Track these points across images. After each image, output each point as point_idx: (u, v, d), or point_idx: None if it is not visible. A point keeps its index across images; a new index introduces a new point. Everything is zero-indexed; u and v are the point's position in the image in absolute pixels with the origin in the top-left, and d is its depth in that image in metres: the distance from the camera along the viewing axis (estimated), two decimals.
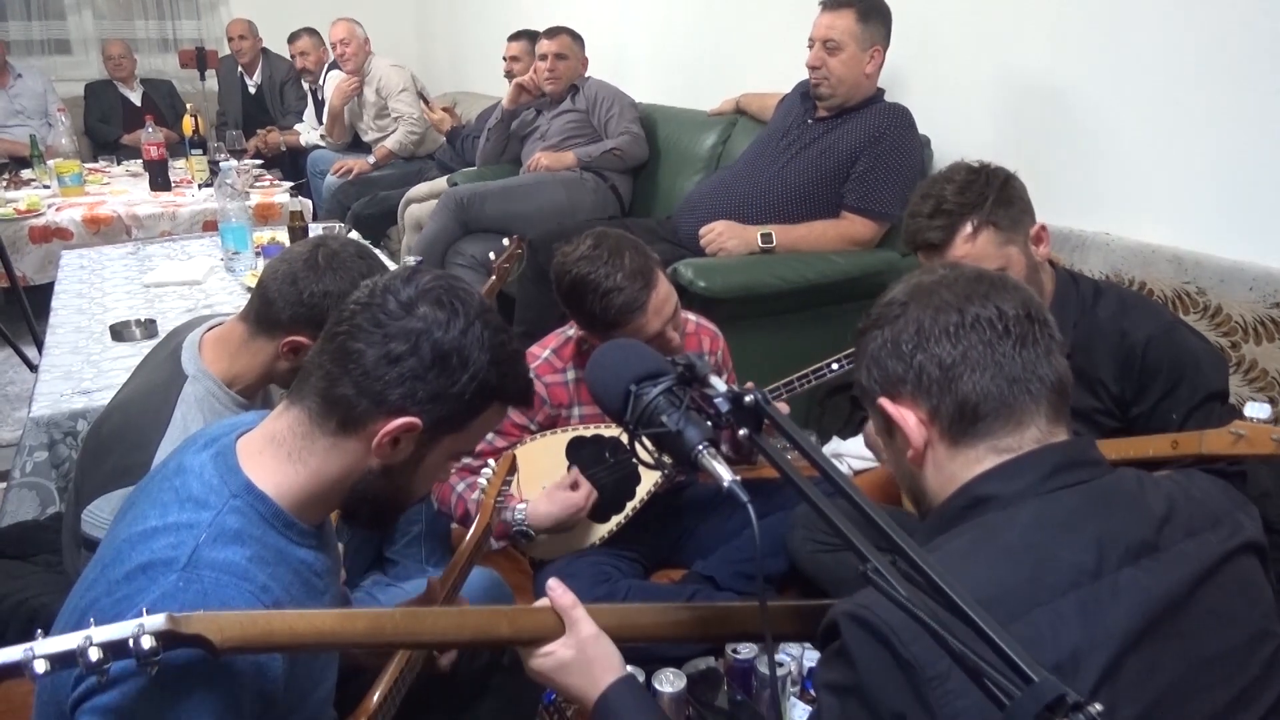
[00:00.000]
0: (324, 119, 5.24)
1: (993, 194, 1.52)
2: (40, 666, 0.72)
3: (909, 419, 0.92)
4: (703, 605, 1.16)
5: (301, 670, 0.97)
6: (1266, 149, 2.05)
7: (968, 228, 1.51)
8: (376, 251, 1.47)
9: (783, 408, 1.85)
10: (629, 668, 1.00)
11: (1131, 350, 1.54)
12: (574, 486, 1.79)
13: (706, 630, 1.10)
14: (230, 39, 5.55)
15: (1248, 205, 2.11)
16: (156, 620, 0.75)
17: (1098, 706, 0.62)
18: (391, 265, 2.25)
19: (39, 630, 0.75)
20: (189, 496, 0.94)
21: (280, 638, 0.85)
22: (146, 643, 0.74)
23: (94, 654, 0.73)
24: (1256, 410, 1.25)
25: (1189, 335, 1.61)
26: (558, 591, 0.99)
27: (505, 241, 2.38)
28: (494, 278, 2.34)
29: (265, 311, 1.41)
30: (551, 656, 0.98)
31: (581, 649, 0.98)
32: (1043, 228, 1.59)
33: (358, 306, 0.98)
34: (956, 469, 0.91)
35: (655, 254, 1.82)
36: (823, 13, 2.71)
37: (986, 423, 0.89)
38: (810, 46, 2.73)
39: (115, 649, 0.74)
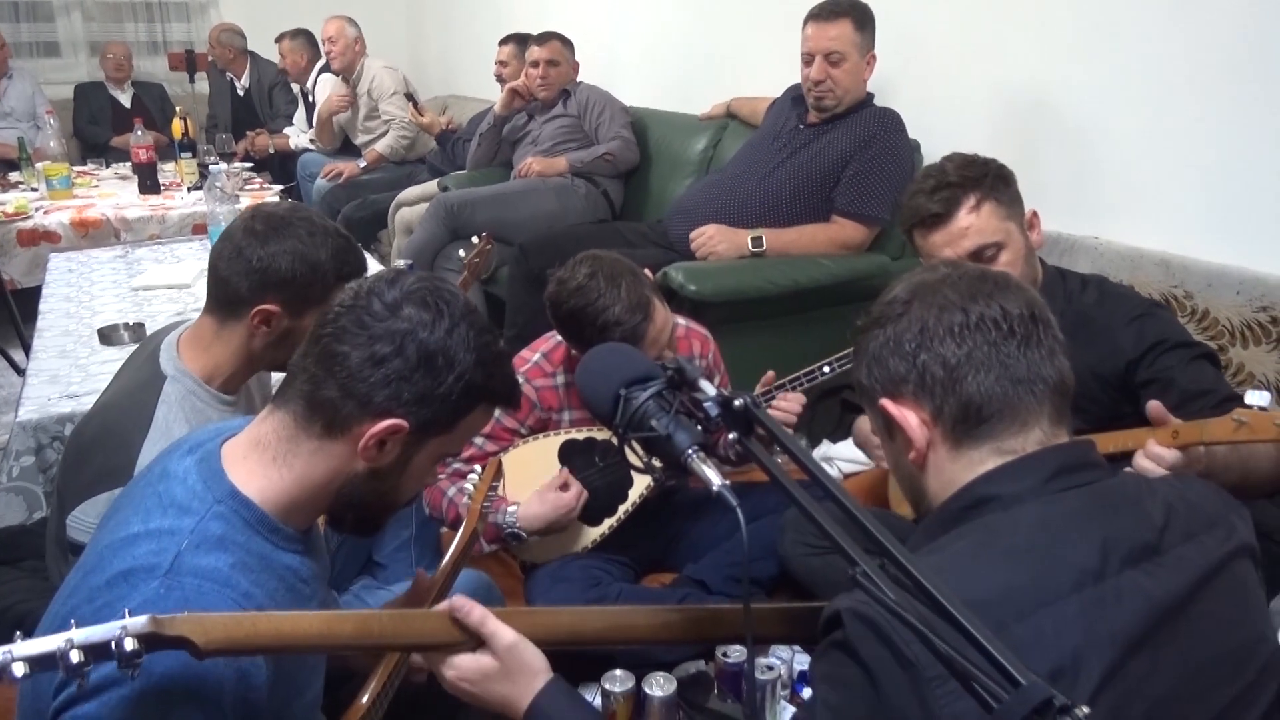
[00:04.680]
0: (313, 122, 5.22)
1: (992, 172, 1.57)
2: (19, 669, 0.71)
3: (911, 419, 0.91)
4: (694, 607, 1.16)
5: (286, 676, 0.96)
6: (1253, 154, 2.07)
7: (971, 199, 1.54)
8: (350, 236, 1.49)
9: (797, 400, 1.83)
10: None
11: (1116, 332, 1.56)
12: (564, 487, 1.79)
13: (698, 632, 1.09)
14: (209, 44, 5.53)
15: (1235, 210, 2.12)
16: (139, 621, 0.74)
17: (1085, 709, 0.62)
18: (375, 264, 2.25)
19: (18, 633, 0.74)
20: (172, 502, 0.94)
21: (265, 639, 0.84)
22: (129, 644, 0.73)
23: (75, 656, 0.71)
24: (1258, 398, 1.26)
25: (1170, 314, 1.66)
26: (464, 609, 0.94)
27: (474, 239, 2.38)
28: (465, 273, 2.34)
29: (224, 293, 1.40)
30: (472, 667, 0.95)
31: (504, 657, 0.95)
32: (1034, 214, 1.63)
33: (343, 309, 0.97)
34: (958, 470, 0.90)
35: (649, 275, 1.81)
36: (817, 24, 2.68)
37: (991, 424, 0.89)
38: (807, 61, 2.71)
39: (97, 651, 0.72)
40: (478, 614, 0.95)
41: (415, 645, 1.03)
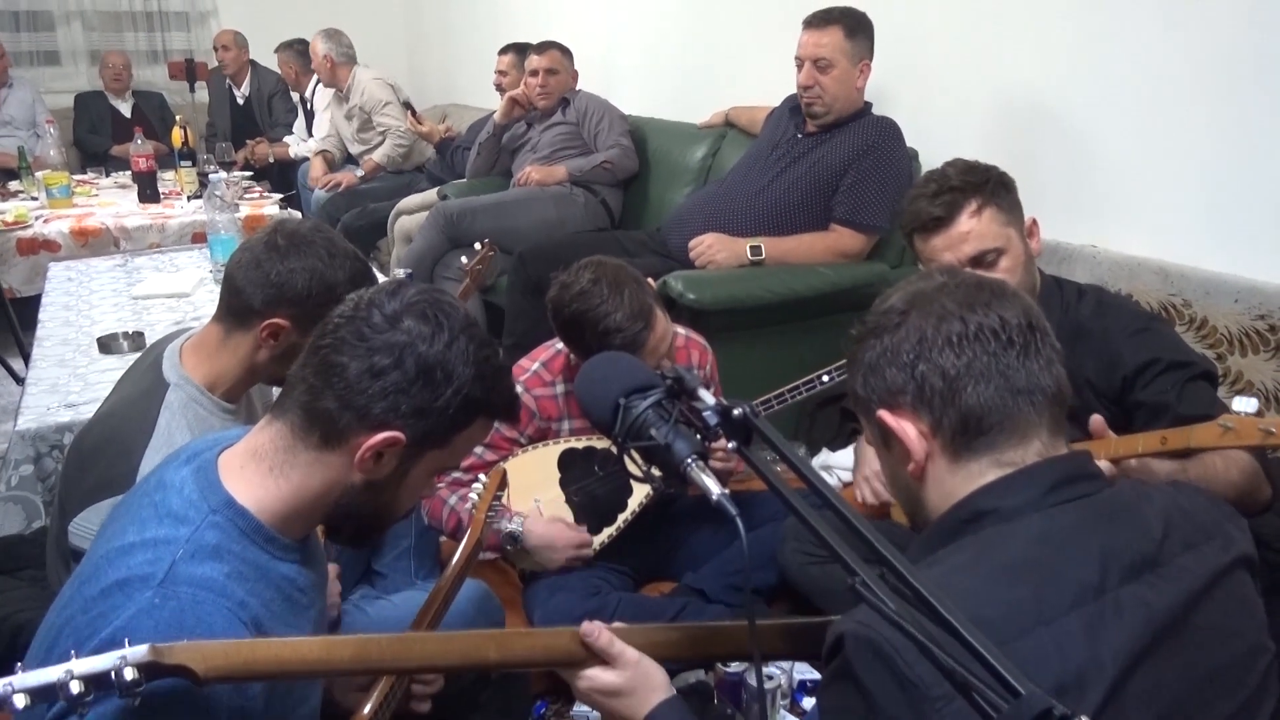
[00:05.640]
0: (312, 132, 5.23)
1: (994, 178, 1.58)
2: (20, 701, 0.71)
3: (909, 431, 0.90)
4: (693, 625, 1.16)
5: (283, 687, 0.96)
6: (1251, 163, 2.07)
7: (973, 204, 1.55)
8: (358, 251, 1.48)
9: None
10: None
11: (1114, 344, 1.56)
12: (579, 532, 1.81)
13: (696, 649, 1.09)
14: (215, 49, 5.55)
15: (1233, 219, 2.12)
16: (139, 651, 0.74)
17: (1084, 718, 0.62)
18: (381, 276, 2.25)
19: (19, 664, 0.74)
20: (168, 512, 0.94)
21: (265, 666, 0.84)
22: (129, 674, 0.73)
23: (75, 687, 0.71)
24: (1244, 404, 1.28)
25: (1169, 328, 1.65)
26: (594, 633, 0.98)
27: (476, 246, 2.38)
28: (467, 281, 2.34)
29: (236, 303, 1.40)
30: (601, 681, 0.99)
31: (631, 677, 0.98)
32: (1034, 222, 1.64)
33: (342, 320, 0.97)
34: (958, 482, 0.89)
35: (651, 284, 1.82)
36: (809, 31, 2.70)
37: (990, 436, 0.88)
38: (799, 66, 2.73)
39: (97, 682, 0.72)
40: (606, 637, 0.98)
41: (421, 667, 1.03)
